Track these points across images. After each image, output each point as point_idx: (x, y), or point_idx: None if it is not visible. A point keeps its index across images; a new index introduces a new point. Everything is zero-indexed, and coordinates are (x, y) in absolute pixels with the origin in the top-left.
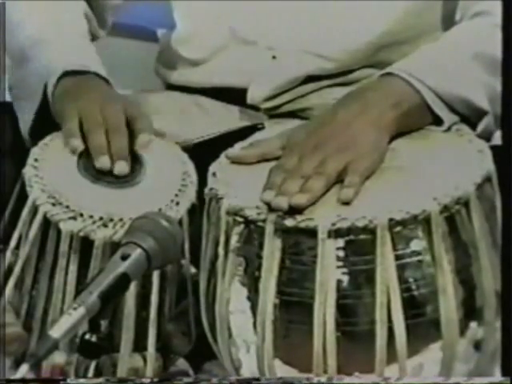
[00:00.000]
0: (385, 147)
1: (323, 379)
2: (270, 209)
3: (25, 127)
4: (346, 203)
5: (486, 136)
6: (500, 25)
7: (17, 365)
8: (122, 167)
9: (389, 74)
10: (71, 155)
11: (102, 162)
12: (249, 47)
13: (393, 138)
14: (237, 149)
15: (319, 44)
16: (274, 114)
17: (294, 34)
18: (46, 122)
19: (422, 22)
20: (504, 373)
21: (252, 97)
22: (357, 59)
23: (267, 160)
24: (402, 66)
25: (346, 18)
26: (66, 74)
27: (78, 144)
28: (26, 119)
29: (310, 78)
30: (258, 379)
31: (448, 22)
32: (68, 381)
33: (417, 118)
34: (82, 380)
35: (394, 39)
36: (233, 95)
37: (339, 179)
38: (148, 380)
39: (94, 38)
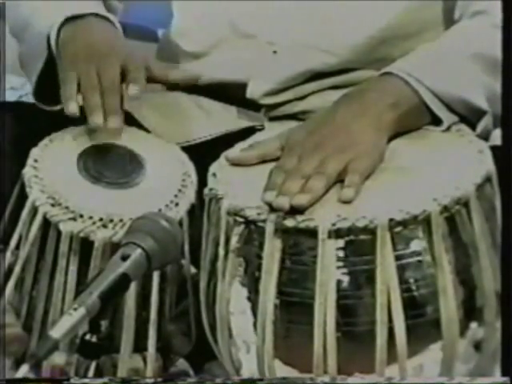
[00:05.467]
0: (384, 147)
1: (319, 380)
2: (272, 209)
3: (32, 88)
4: (347, 202)
5: (484, 135)
6: (499, 25)
7: (17, 365)
8: (114, 122)
9: (387, 73)
10: (71, 156)
11: (96, 119)
12: (249, 41)
13: (391, 138)
14: (236, 150)
15: (320, 38)
16: (273, 116)
17: (295, 29)
18: (53, 81)
19: (423, 18)
20: (504, 373)
21: (252, 91)
22: (358, 54)
23: (266, 161)
24: (401, 65)
25: (347, 12)
26: (66, 22)
27: (74, 108)
28: (32, 80)
29: (311, 77)
30: (261, 380)
31: (449, 18)
32: (72, 381)
33: (415, 118)
34: (86, 380)
35: (395, 34)
36: (233, 90)
37: (339, 179)
38: (152, 380)
39: None
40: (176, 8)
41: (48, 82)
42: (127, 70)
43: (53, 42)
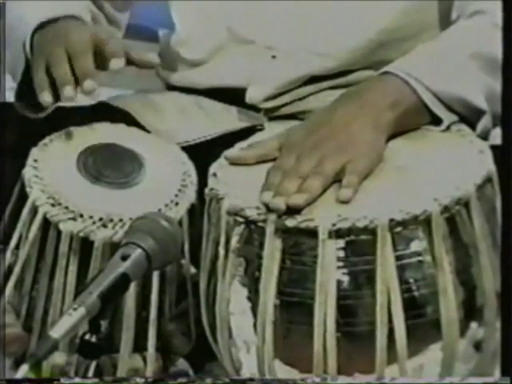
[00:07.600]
0: (382, 147)
1: (309, 380)
2: (270, 209)
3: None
4: (345, 203)
5: (484, 135)
6: (497, 24)
7: (17, 365)
8: (88, 85)
9: (386, 72)
10: (71, 155)
11: (67, 92)
12: (248, 47)
13: (391, 138)
14: (235, 150)
15: (318, 42)
16: (273, 116)
17: (293, 33)
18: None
19: (421, 20)
20: (504, 373)
21: (251, 96)
22: (357, 57)
23: (266, 161)
24: (400, 64)
25: (345, 15)
26: (39, 27)
27: (47, 98)
28: (15, 86)
29: (310, 80)
30: (252, 379)
31: (446, 19)
32: (62, 380)
33: (414, 118)
34: (76, 379)
35: (393, 36)
36: (233, 95)
37: (337, 179)
38: (142, 380)
39: None
40: (174, 16)
41: (29, 90)
42: (101, 43)
43: (27, 49)
